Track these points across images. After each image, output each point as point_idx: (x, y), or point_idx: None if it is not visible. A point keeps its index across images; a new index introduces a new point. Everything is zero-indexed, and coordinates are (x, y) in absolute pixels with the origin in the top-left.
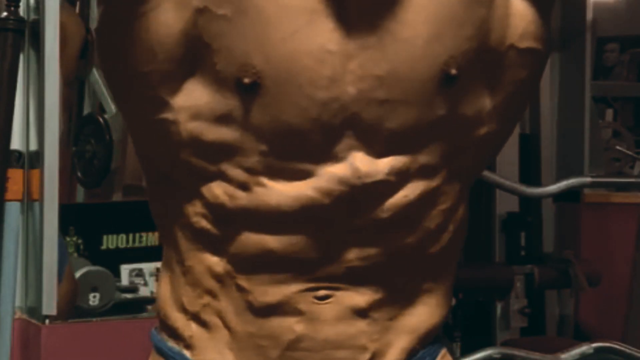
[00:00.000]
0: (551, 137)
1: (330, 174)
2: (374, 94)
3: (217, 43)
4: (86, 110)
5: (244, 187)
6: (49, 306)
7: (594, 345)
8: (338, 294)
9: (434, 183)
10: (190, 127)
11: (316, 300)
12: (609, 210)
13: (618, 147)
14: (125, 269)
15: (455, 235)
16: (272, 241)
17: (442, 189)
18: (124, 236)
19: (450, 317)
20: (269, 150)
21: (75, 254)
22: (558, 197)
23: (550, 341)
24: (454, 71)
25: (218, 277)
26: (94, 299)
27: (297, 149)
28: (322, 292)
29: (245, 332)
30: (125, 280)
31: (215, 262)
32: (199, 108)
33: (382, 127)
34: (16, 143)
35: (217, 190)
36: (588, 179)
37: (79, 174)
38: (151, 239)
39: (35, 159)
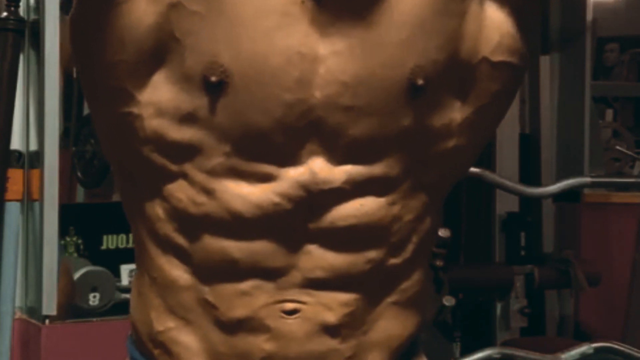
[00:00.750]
0: (551, 137)
1: (291, 179)
2: (339, 99)
3: (188, 39)
4: (86, 111)
5: (206, 190)
6: (49, 306)
7: (594, 345)
8: (306, 308)
9: (394, 195)
10: (154, 123)
11: (284, 315)
12: (609, 210)
13: (618, 147)
14: (125, 269)
15: (420, 246)
16: (234, 249)
17: (405, 201)
18: (124, 236)
19: (450, 317)
20: (232, 152)
21: (75, 254)
22: (558, 197)
23: (550, 341)
24: (420, 81)
25: (184, 290)
26: (94, 299)
27: (261, 151)
28: (289, 306)
29: (214, 351)
30: (125, 280)
31: (181, 274)
32: (164, 104)
33: (345, 134)
34: (16, 143)
35: (179, 193)
36: (588, 179)
37: (79, 174)
38: None
39: (35, 159)
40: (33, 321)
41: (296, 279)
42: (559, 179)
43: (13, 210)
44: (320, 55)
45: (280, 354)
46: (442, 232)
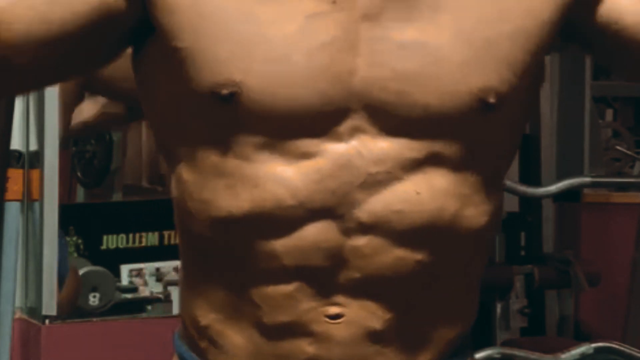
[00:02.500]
0: (551, 137)
1: (335, 154)
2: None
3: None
4: None
5: (247, 179)
6: (49, 306)
7: (594, 345)
8: (349, 312)
9: (454, 188)
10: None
11: (328, 320)
12: (609, 210)
13: (618, 147)
14: (125, 269)
15: (475, 248)
16: (280, 247)
17: (465, 197)
18: (124, 236)
19: None
20: (269, 134)
21: (75, 254)
22: (558, 197)
23: (550, 341)
24: (492, 100)
25: (230, 290)
26: (94, 299)
27: (299, 130)
28: (333, 310)
29: (257, 350)
30: (125, 280)
31: (226, 274)
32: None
33: (395, 114)
34: (16, 143)
35: (222, 188)
36: (588, 179)
37: (79, 174)
38: (151, 239)
39: (35, 159)
40: (33, 321)
41: (342, 280)
42: (559, 179)
43: (13, 210)
44: (357, 66)
45: (324, 357)
46: None
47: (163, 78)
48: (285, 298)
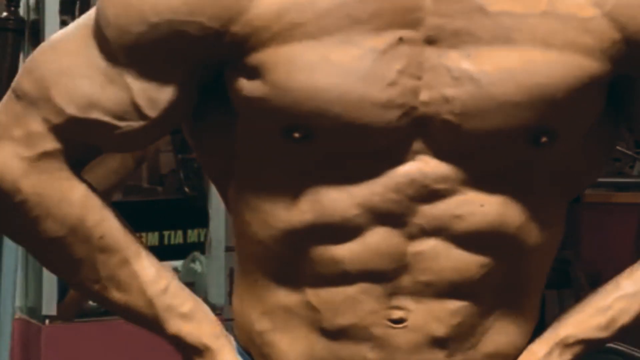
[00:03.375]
0: None
1: (398, 174)
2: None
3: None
4: None
5: (307, 195)
6: (49, 306)
7: None
8: (413, 317)
9: (518, 199)
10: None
11: (390, 324)
12: (609, 210)
13: (618, 147)
14: None
15: (541, 256)
16: (343, 253)
17: (529, 207)
18: None
19: None
20: (333, 154)
21: None
22: None
23: None
24: (544, 139)
25: (287, 294)
26: None
27: (363, 151)
28: (396, 314)
29: (314, 356)
30: None
31: (285, 279)
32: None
33: (455, 135)
34: None
35: (282, 202)
36: None
37: None
38: (151, 238)
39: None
40: (33, 321)
41: (406, 283)
42: None
43: None
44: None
45: None
46: None
47: (230, 127)
48: (346, 301)
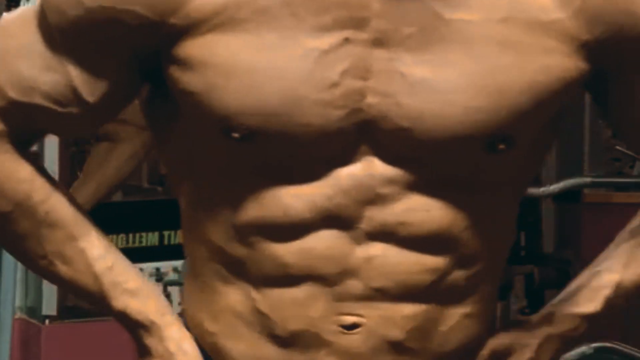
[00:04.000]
0: None
1: (347, 175)
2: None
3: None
4: None
5: (255, 192)
6: (49, 306)
7: (594, 345)
8: (367, 322)
9: (466, 203)
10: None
11: (343, 330)
12: (609, 210)
13: (618, 147)
14: None
15: (491, 258)
16: (287, 253)
17: (477, 211)
18: (123, 236)
19: None
20: (281, 155)
21: None
22: (558, 197)
23: None
24: (501, 146)
25: (236, 297)
26: None
27: (311, 153)
28: (348, 319)
29: None
30: None
31: (233, 280)
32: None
33: (403, 142)
34: None
35: (230, 199)
36: (588, 179)
37: (79, 174)
38: (151, 239)
39: (35, 159)
40: (33, 321)
41: (355, 288)
42: (559, 179)
43: None
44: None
45: None
46: None
47: (176, 117)
48: (294, 305)
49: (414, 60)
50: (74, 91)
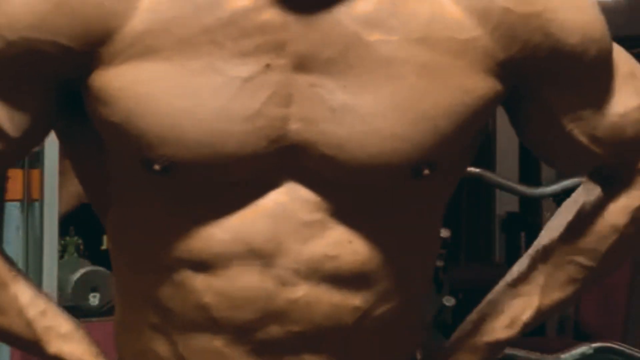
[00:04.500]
0: None
1: (268, 201)
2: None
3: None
4: None
5: (177, 223)
6: None
7: (594, 345)
8: None
9: (386, 235)
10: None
11: None
12: None
13: None
14: None
15: (414, 288)
16: (207, 291)
17: (398, 243)
18: None
19: (450, 317)
20: (200, 181)
21: (75, 254)
22: (558, 197)
23: (550, 341)
24: (426, 171)
25: (158, 339)
26: (93, 299)
27: (228, 183)
28: None
29: None
30: None
31: (155, 322)
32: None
33: (325, 172)
34: None
35: (149, 227)
36: None
37: None
38: None
39: (35, 159)
40: None
41: (276, 333)
42: (559, 179)
43: (13, 210)
44: (290, 127)
45: None
46: (442, 232)
47: (94, 146)
48: (214, 355)
49: (336, 85)
50: None
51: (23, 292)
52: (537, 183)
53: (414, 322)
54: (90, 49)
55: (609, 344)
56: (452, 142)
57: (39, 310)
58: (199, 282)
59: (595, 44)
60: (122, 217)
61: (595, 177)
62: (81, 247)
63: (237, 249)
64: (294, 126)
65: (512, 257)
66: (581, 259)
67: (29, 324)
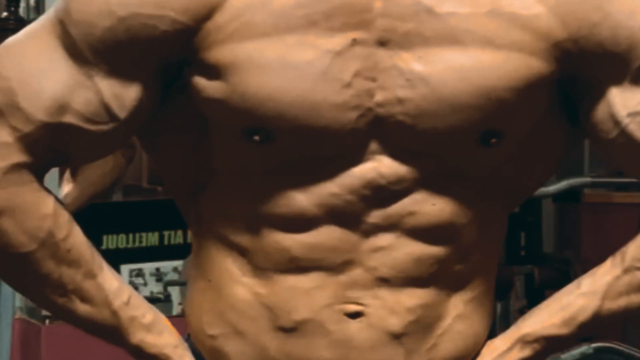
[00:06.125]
0: None
1: (355, 174)
2: (400, 123)
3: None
4: None
5: (265, 187)
6: None
7: (594, 345)
8: (369, 312)
9: (467, 198)
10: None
11: (346, 318)
12: (609, 210)
13: None
14: (125, 269)
15: (488, 252)
16: (294, 244)
17: (476, 206)
18: (123, 236)
19: None
20: (291, 152)
21: None
22: (558, 197)
23: None
24: (493, 140)
25: (240, 293)
26: None
27: (320, 151)
28: (352, 308)
29: (266, 358)
30: (125, 280)
31: (239, 274)
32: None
33: (409, 139)
34: None
35: (238, 192)
36: (588, 179)
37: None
38: (151, 239)
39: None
40: (33, 321)
41: (361, 277)
42: (559, 179)
43: None
44: (376, 102)
45: None
46: None
47: (193, 124)
48: (300, 294)
49: (412, 56)
50: (106, 107)
51: (109, 281)
52: None
53: (487, 289)
54: (196, 24)
55: (608, 344)
56: (515, 114)
57: (124, 300)
58: (288, 239)
59: None
60: (223, 185)
61: None
62: None
63: (321, 215)
64: (378, 98)
65: (512, 257)
66: None
67: (114, 313)
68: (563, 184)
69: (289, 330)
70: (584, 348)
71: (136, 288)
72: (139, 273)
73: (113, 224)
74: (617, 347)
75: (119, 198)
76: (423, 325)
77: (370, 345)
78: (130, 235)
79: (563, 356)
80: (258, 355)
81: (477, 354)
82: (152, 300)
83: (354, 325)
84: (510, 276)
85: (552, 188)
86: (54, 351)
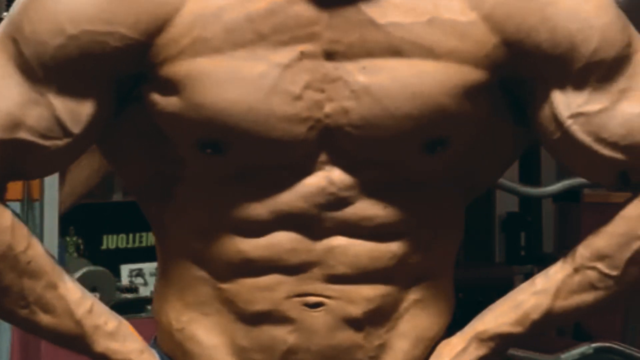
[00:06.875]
0: None
1: (308, 184)
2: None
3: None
4: None
5: (219, 196)
6: None
7: (594, 345)
8: (329, 302)
9: (418, 197)
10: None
11: (307, 308)
12: (609, 210)
13: None
14: (125, 269)
15: (445, 245)
16: (250, 248)
17: (430, 202)
18: (124, 236)
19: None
20: (245, 163)
21: (75, 254)
22: (558, 197)
23: (550, 341)
24: (439, 148)
25: (202, 287)
26: None
27: (274, 163)
28: (312, 299)
29: (235, 344)
30: (125, 280)
31: (199, 273)
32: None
33: (357, 153)
34: None
35: (194, 200)
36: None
37: None
38: (151, 239)
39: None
40: None
41: (319, 275)
42: (559, 179)
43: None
44: (325, 112)
45: (304, 347)
46: None
47: (152, 134)
48: (260, 289)
49: (356, 67)
50: (59, 122)
51: (71, 291)
52: (537, 183)
53: (444, 287)
54: (147, 39)
55: (608, 344)
56: (457, 120)
57: (86, 309)
58: (245, 243)
59: (597, 33)
60: (182, 192)
61: (627, 185)
62: (81, 247)
63: (277, 222)
64: (327, 109)
65: (512, 257)
66: (601, 266)
67: (77, 322)
68: (563, 184)
69: (253, 320)
70: (584, 348)
71: (136, 288)
72: (139, 273)
73: (113, 224)
74: (617, 347)
75: (119, 198)
76: (382, 311)
77: (330, 330)
78: (130, 235)
79: (563, 356)
80: (226, 341)
81: (436, 335)
82: (152, 300)
83: (315, 313)
84: (510, 276)
85: (552, 188)
86: (54, 351)
